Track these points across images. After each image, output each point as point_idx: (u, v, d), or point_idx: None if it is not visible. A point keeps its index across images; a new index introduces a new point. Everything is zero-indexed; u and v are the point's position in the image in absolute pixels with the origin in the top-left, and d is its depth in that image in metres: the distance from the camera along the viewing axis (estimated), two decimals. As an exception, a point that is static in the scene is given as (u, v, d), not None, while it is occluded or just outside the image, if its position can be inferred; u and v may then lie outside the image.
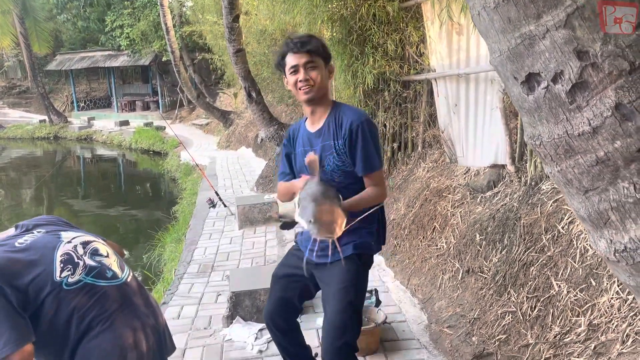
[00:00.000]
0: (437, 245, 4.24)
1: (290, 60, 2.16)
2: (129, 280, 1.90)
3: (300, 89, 2.16)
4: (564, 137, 1.06)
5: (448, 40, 4.49)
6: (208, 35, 13.66)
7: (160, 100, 21.60)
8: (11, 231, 1.85)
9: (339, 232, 1.76)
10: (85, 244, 1.84)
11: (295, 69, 2.15)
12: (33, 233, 1.80)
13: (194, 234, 6.08)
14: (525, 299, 3.02)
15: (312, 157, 2.07)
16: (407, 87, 5.35)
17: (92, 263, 1.79)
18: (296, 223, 1.99)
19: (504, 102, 3.71)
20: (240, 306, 3.66)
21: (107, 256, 1.88)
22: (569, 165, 1.09)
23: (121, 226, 9.46)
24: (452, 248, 4.03)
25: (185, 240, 6.04)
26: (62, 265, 1.71)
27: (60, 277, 1.69)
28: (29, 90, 24.76)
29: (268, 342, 3.40)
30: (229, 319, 3.65)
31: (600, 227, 1.11)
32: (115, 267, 1.87)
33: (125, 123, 19.59)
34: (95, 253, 1.85)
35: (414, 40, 5.05)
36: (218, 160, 11.34)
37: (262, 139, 11.27)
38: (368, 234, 2.25)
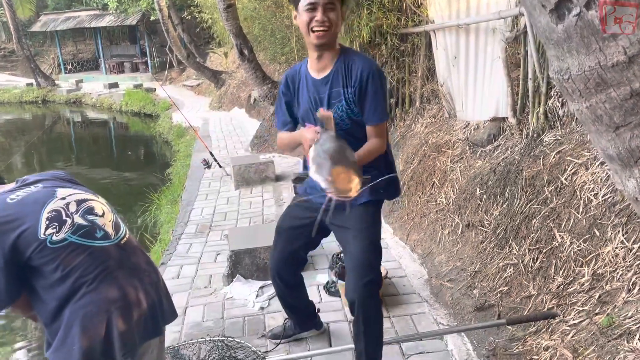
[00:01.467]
0: (436, 201, 4.21)
1: None
2: (123, 242, 1.81)
3: (313, 31, 2.00)
4: (596, 69, 0.99)
5: (447, -10, 4.34)
6: (197, -8, 13.23)
7: (149, 62, 21.16)
8: (12, 185, 1.78)
9: (354, 193, 1.70)
10: (80, 202, 1.76)
11: (312, 6, 1.96)
12: (30, 188, 1.73)
13: (190, 195, 6.03)
14: (527, 251, 3.01)
15: (325, 113, 1.97)
16: (405, 41, 5.21)
17: (82, 222, 1.71)
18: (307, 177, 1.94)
19: (506, 51, 3.61)
20: (240, 264, 3.64)
21: (102, 215, 1.80)
22: (599, 100, 1.02)
23: (115, 189, 9.36)
24: (451, 203, 4.00)
25: (181, 201, 5.99)
26: (47, 222, 1.64)
27: (44, 234, 1.62)
28: (14, 53, 24.14)
29: (269, 299, 3.39)
30: (229, 277, 3.64)
31: (631, 165, 1.05)
32: (108, 227, 1.78)
33: (114, 85, 19.21)
34: (89, 212, 1.76)
35: (412, -10, 4.89)
36: (211, 122, 11.19)
37: (255, 100, 11.09)
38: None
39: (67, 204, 1.72)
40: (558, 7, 0.99)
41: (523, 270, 2.94)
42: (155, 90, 17.24)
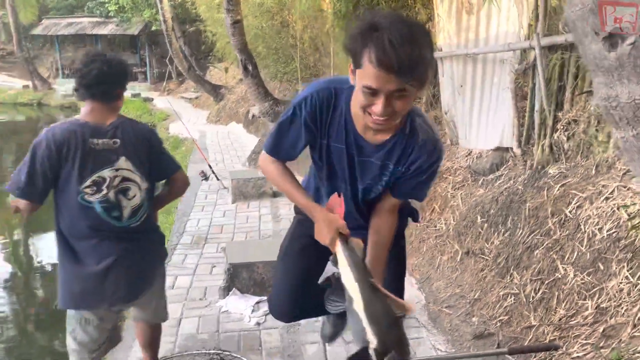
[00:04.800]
0: (435, 227, 4.22)
1: (371, 75, 1.37)
2: (131, 226, 2.13)
3: (369, 114, 1.48)
4: (647, 98, 1.01)
5: (457, 19, 4.42)
6: (202, 7, 13.34)
7: (148, 72, 21.19)
8: (114, 115, 2.13)
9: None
10: (123, 180, 2.09)
11: (372, 91, 1.41)
12: (110, 142, 2.06)
13: (186, 206, 5.98)
14: (528, 281, 3.01)
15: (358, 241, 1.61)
16: (411, 67, 5.26)
17: (112, 197, 2.07)
18: None
19: (515, 82, 3.66)
20: (237, 278, 3.61)
21: (131, 198, 2.11)
22: (648, 129, 1.03)
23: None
24: (451, 229, 4.01)
25: (176, 211, 5.94)
26: (91, 182, 2.03)
27: (82, 188, 2.02)
28: (13, 55, 24.06)
29: (265, 315, 3.35)
30: (226, 290, 3.60)
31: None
32: (126, 211, 2.11)
33: (111, 93, 19.13)
34: (123, 192, 2.09)
35: (422, 18, 4.97)
36: (208, 135, 11.19)
37: (253, 115, 11.12)
38: None
39: (114, 177, 2.07)
40: (612, 35, 1.01)
41: (524, 300, 2.94)
42: (152, 100, 17.24)
